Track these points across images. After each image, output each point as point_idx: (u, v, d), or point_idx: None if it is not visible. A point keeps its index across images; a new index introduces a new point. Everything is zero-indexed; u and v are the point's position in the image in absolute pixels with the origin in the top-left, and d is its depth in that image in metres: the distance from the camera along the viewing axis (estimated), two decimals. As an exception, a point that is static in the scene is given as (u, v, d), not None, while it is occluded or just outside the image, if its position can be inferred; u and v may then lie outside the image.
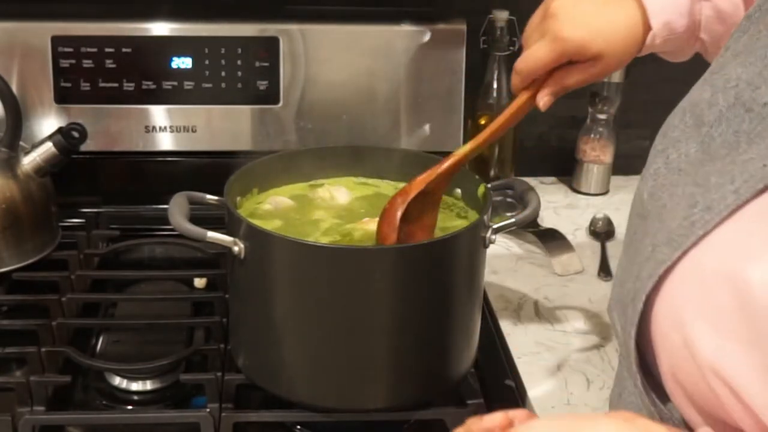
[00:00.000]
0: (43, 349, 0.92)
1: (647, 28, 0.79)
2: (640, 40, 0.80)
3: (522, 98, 0.84)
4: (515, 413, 0.58)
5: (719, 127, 0.55)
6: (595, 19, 0.78)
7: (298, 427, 0.90)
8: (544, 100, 0.83)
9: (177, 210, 0.83)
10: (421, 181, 0.86)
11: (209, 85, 1.21)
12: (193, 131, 1.24)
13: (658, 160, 0.60)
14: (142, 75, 1.21)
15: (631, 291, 0.57)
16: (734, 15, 0.79)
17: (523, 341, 1.01)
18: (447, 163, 0.87)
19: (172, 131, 1.23)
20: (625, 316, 0.58)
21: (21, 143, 1.11)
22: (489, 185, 0.91)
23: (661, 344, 0.55)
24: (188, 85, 1.21)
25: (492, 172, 1.34)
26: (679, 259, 0.53)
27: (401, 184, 1.00)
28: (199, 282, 1.11)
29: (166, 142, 1.24)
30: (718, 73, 0.59)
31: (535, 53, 0.80)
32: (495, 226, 0.86)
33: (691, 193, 0.54)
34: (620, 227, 1.27)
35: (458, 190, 0.97)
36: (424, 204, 0.87)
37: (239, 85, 1.22)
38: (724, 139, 0.55)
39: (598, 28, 0.78)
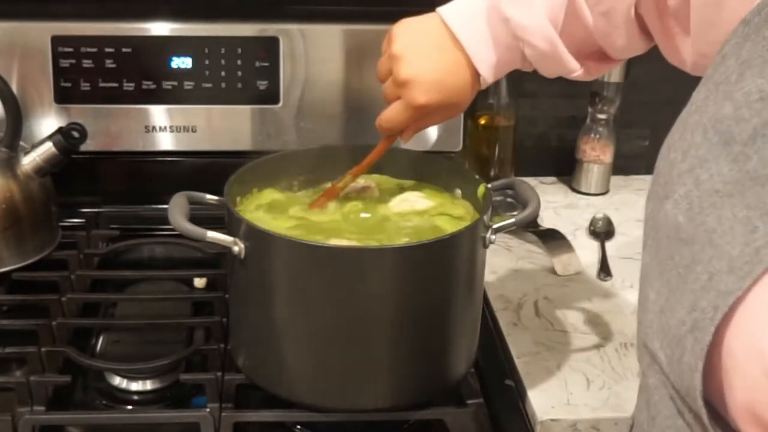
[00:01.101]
0: (43, 349, 0.92)
1: (475, 72, 0.85)
2: (474, 84, 0.86)
3: (387, 141, 0.93)
4: None
5: (754, 145, 0.53)
6: (441, 76, 0.84)
7: (298, 427, 0.90)
8: (406, 139, 0.91)
9: (177, 210, 0.83)
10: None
11: (209, 85, 1.21)
12: (193, 131, 1.24)
13: (687, 181, 0.57)
14: (142, 75, 1.21)
15: (687, 321, 0.54)
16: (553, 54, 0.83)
17: (523, 341, 1.01)
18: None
19: (172, 131, 1.23)
20: (681, 347, 0.55)
21: (21, 143, 1.11)
22: (489, 185, 0.91)
23: (735, 376, 0.53)
24: (188, 85, 1.21)
25: (492, 172, 1.34)
26: (749, 288, 0.50)
27: (401, 184, 1.00)
28: (199, 282, 1.11)
29: (166, 142, 1.24)
30: (727, 84, 0.57)
31: (396, 116, 0.87)
32: (495, 226, 0.86)
33: (746, 217, 0.52)
34: (620, 227, 1.27)
35: (458, 190, 0.97)
36: None
37: (239, 85, 1.22)
38: (762, 157, 0.53)
39: (449, 89, 0.85)
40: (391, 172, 1.00)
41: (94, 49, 1.19)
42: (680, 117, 0.62)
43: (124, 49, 1.19)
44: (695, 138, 0.58)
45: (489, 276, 1.05)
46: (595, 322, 1.05)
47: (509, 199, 1.12)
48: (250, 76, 1.22)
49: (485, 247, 0.86)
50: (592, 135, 1.36)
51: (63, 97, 1.20)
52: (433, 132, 1.26)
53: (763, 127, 0.53)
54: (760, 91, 0.54)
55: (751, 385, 0.51)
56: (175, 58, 1.20)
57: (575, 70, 0.85)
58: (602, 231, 1.26)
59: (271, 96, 1.23)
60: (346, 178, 0.95)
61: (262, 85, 1.22)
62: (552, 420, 0.89)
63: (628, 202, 1.37)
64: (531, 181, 1.23)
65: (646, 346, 0.60)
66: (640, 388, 0.65)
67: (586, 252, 1.20)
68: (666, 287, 0.58)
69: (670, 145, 0.61)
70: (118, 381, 0.95)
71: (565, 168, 1.41)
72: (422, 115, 0.87)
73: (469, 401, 0.90)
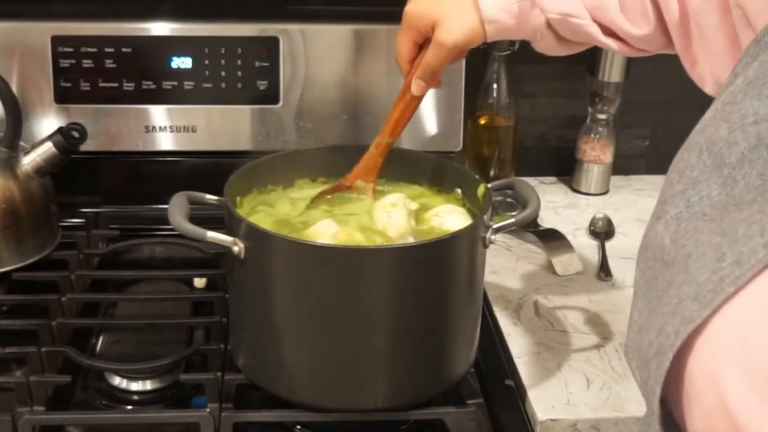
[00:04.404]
0: (43, 349, 0.92)
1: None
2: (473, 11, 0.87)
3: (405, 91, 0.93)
4: None
5: (741, 170, 0.53)
6: (465, 21, 0.87)
7: (298, 427, 0.90)
8: (413, 85, 0.91)
9: (177, 210, 0.83)
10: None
11: (209, 85, 1.21)
12: (193, 131, 1.24)
13: (679, 203, 0.57)
14: (142, 75, 1.21)
15: (654, 345, 0.54)
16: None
17: (523, 341, 1.01)
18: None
19: (172, 131, 1.23)
20: (647, 369, 0.55)
21: (21, 143, 1.11)
22: (489, 185, 0.91)
23: (695, 404, 0.52)
24: (188, 85, 1.21)
25: (492, 172, 1.34)
26: (710, 316, 0.50)
27: (401, 184, 1.00)
28: (199, 282, 1.11)
29: (166, 142, 1.24)
30: (731, 105, 0.57)
31: (397, 41, 0.91)
32: (495, 226, 0.86)
33: (717, 244, 0.51)
34: (620, 227, 1.27)
35: (458, 190, 0.97)
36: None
37: (239, 85, 1.22)
38: (747, 182, 0.52)
39: (470, 29, 0.86)
40: (391, 172, 1.00)
41: (94, 49, 1.19)
42: (689, 136, 0.61)
43: (124, 49, 1.19)
44: (691, 159, 0.57)
45: (489, 276, 1.05)
46: (595, 322, 1.05)
47: (509, 199, 1.12)
48: (250, 76, 1.22)
49: (485, 247, 0.86)
50: (592, 135, 1.36)
51: (63, 97, 1.20)
52: (433, 132, 1.26)
53: (750, 151, 0.53)
54: (755, 113, 0.53)
55: (709, 414, 0.51)
56: (175, 58, 1.20)
57: (586, 18, 0.85)
58: (602, 231, 1.26)
59: (271, 96, 1.23)
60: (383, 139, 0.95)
61: (262, 85, 1.22)
62: (552, 420, 0.89)
63: (628, 202, 1.36)
64: (531, 181, 1.23)
65: (627, 360, 0.60)
66: None
67: (586, 252, 1.20)
68: (647, 308, 0.57)
69: (673, 164, 0.60)
70: (118, 381, 0.95)
71: (565, 168, 1.41)
72: (414, 33, 0.89)
73: (469, 401, 0.90)
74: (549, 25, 0.87)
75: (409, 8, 0.89)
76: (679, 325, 0.51)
